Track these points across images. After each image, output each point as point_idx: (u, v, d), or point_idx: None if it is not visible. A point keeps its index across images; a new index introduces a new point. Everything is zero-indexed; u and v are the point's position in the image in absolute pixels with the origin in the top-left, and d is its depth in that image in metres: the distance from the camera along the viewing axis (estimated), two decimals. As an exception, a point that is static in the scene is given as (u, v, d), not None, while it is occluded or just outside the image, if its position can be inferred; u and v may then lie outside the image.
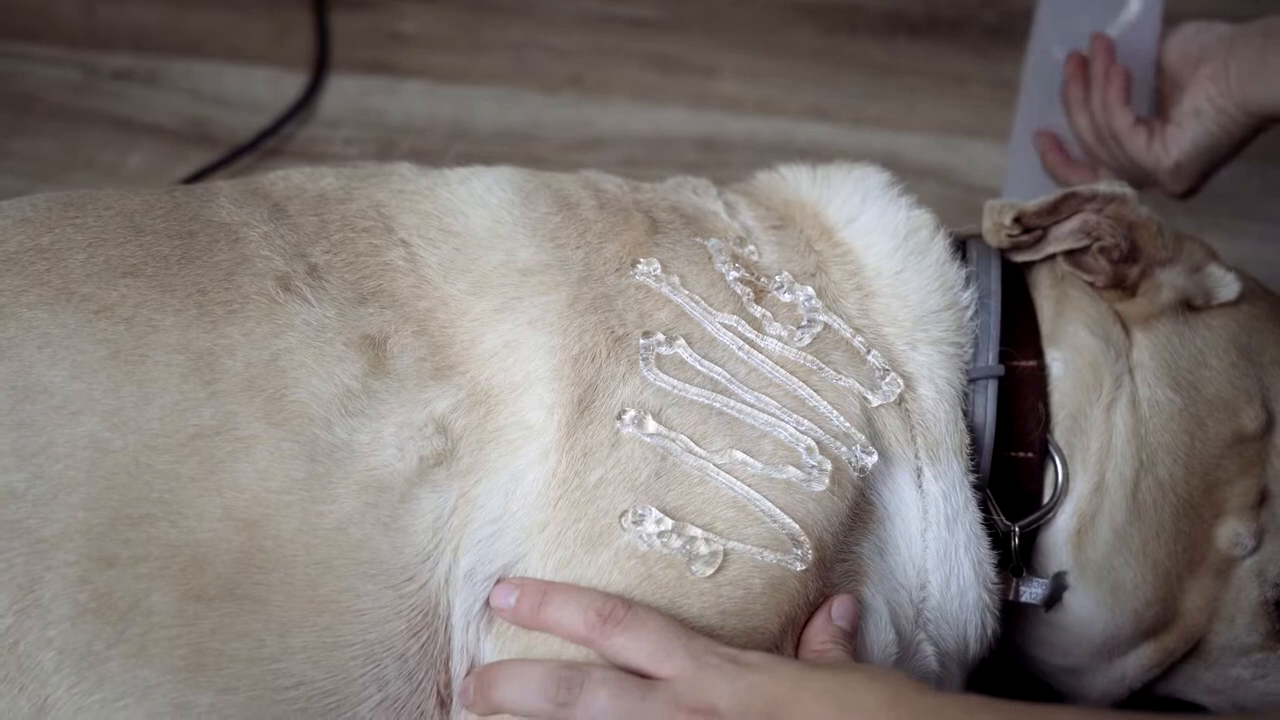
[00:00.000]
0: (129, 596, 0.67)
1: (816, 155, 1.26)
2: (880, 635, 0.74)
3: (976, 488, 0.77)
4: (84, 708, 0.67)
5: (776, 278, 0.78)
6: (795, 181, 0.84)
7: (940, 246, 0.81)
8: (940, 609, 0.76)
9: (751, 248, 0.79)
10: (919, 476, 0.76)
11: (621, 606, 0.68)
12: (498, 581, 0.70)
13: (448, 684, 0.71)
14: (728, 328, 0.75)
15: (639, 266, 0.77)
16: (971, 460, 0.77)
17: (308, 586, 0.69)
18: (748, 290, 0.77)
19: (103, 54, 1.36)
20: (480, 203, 0.78)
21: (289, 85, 1.34)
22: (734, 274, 0.77)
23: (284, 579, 0.68)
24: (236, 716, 0.68)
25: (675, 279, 0.77)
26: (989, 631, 0.78)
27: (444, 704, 0.71)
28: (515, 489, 0.71)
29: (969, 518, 0.76)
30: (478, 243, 0.77)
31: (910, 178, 0.86)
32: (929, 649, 0.77)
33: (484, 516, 0.71)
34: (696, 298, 0.76)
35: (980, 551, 0.76)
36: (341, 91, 1.35)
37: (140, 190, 0.78)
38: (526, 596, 0.69)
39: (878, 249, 0.80)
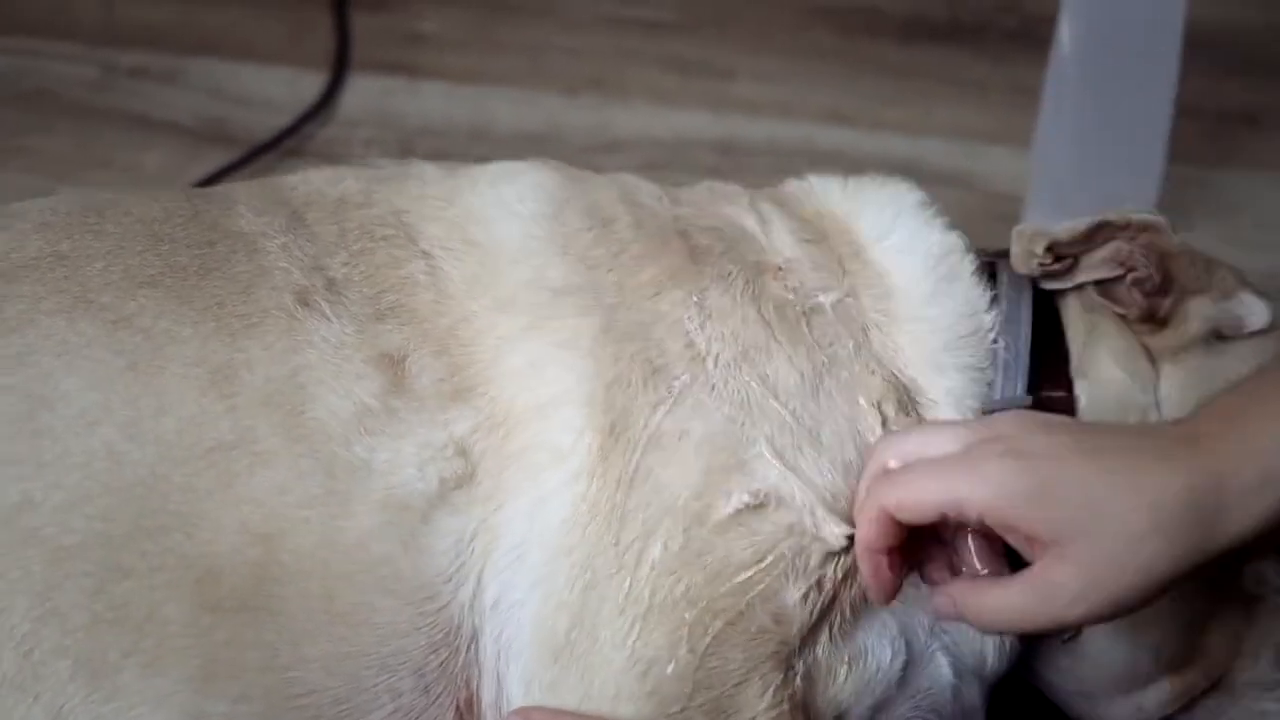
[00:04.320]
0: (145, 607, 0.67)
1: (836, 159, 1.26)
2: (882, 648, 0.73)
3: None
4: (99, 716, 0.67)
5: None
6: (825, 193, 0.83)
7: (969, 270, 0.80)
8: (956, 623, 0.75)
9: (794, 280, 0.77)
10: None
11: None
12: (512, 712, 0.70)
13: (469, 701, 0.71)
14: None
15: (676, 297, 0.75)
16: None
17: (324, 599, 0.68)
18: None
19: (120, 51, 1.36)
20: (511, 213, 0.77)
21: (307, 85, 1.34)
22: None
23: (300, 592, 0.68)
24: None
25: (709, 314, 0.75)
26: (1007, 645, 0.77)
27: (462, 718, 0.71)
28: (539, 512, 0.71)
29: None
30: (505, 257, 0.75)
31: (930, 183, 0.85)
32: (944, 659, 0.76)
33: (506, 544, 0.71)
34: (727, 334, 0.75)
35: None
36: (361, 92, 1.34)
37: (160, 196, 0.78)
38: None
39: (909, 271, 0.79)
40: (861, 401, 0.75)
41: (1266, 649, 0.80)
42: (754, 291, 0.76)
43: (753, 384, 0.73)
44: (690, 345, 0.74)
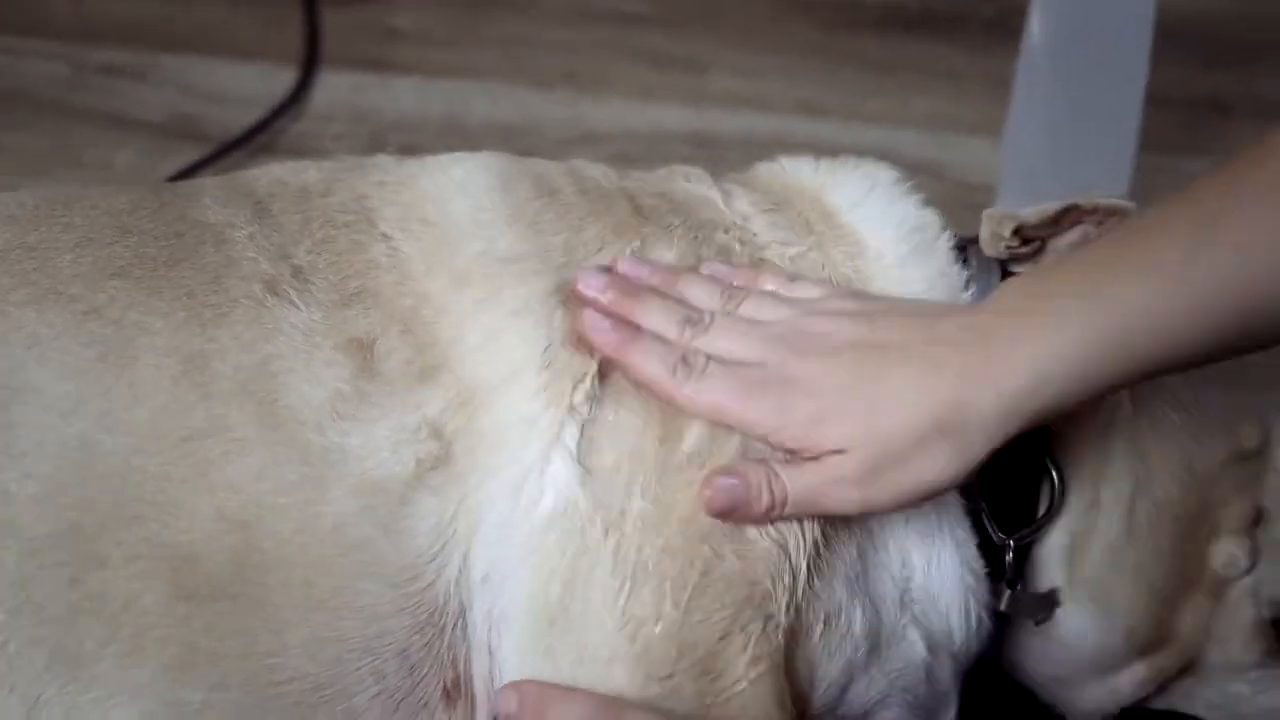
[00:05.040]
0: (121, 596, 0.67)
1: (812, 152, 1.25)
2: (853, 608, 0.73)
3: (965, 492, 0.76)
4: (76, 706, 0.66)
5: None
6: (796, 170, 0.83)
7: (945, 247, 0.80)
8: (924, 589, 0.75)
9: (747, 235, 0.78)
10: None
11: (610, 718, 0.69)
12: (501, 689, 0.70)
13: (455, 680, 0.71)
14: None
15: (617, 248, 0.76)
16: None
17: (304, 585, 0.68)
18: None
19: (91, 48, 1.35)
20: (461, 189, 0.77)
21: (280, 81, 1.34)
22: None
23: (280, 579, 0.68)
24: (230, 712, 0.68)
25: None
26: (973, 619, 0.77)
27: (449, 697, 0.71)
28: (522, 486, 0.71)
29: (950, 500, 0.76)
30: (459, 232, 0.76)
31: (906, 174, 0.86)
32: (915, 634, 0.76)
33: (493, 520, 0.71)
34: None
35: (961, 532, 0.76)
36: (333, 87, 1.34)
37: (127, 189, 0.77)
38: (527, 707, 0.70)
39: (882, 235, 0.79)
40: None
41: (1237, 631, 0.80)
42: (696, 237, 0.77)
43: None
44: None
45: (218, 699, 0.67)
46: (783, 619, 0.71)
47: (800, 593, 0.72)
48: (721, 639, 0.70)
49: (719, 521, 0.71)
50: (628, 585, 0.70)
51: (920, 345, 0.71)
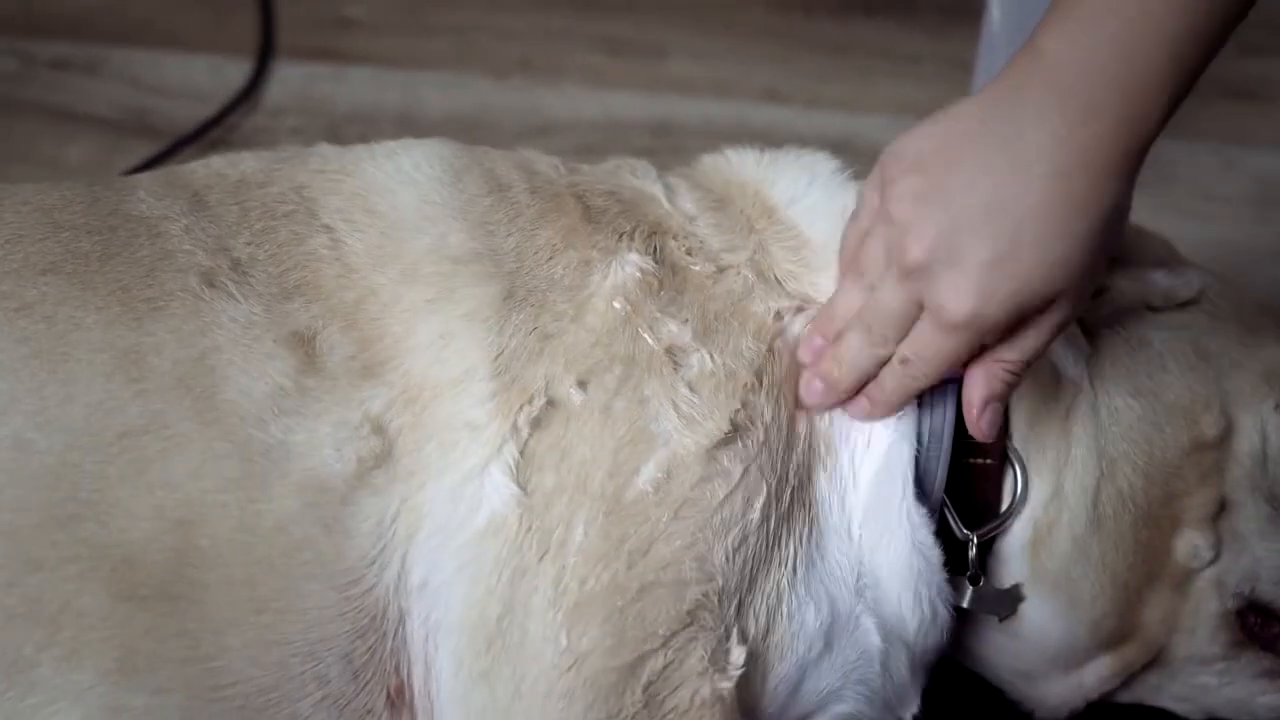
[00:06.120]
0: (59, 599, 0.66)
1: (772, 137, 1.24)
2: (806, 606, 0.73)
3: (920, 481, 0.75)
4: (16, 713, 0.65)
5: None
6: (740, 163, 0.83)
7: None
8: (873, 573, 0.75)
9: (695, 242, 0.77)
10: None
11: None
12: None
13: (399, 688, 0.70)
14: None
15: (569, 259, 0.75)
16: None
17: (246, 585, 0.67)
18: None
19: (40, 42, 1.34)
20: (408, 180, 0.76)
21: (233, 73, 1.32)
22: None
23: (221, 578, 0.67)
24: (172, 716, 0.67)
25: (601, 274, 0.74)
26: (925, 605, 0.76)
27: (394, 705, 0.70)
28: (461, 493, 0.70)
29: (901, 484, 0.75)
30: (406, 225, 0.75)
31: (866, 160, 0.85)
32: (869, 621, 0.75)
33: (430, 525, 0.70)
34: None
35: (916, 516, 0.75)
36: (287, 79, 1.33)
37: (59, 184, 0.76)
38: None
39: (823, 226, 0.78)
40: (766, 349, 0.74)
41: (1203, 623, 0.79)
42: (650, 244, 0.76)
43: (644, 341, 0.73)
44: (580, 309, 0.73)
45: (160, 703, 0.66)
46: (737, 634, 0.71)
47: (753, 612, 0.71)
48: (673, 660, 0.69)
49: (676, 552, 0.70)
50: (569, 619, 0.68)
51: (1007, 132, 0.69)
